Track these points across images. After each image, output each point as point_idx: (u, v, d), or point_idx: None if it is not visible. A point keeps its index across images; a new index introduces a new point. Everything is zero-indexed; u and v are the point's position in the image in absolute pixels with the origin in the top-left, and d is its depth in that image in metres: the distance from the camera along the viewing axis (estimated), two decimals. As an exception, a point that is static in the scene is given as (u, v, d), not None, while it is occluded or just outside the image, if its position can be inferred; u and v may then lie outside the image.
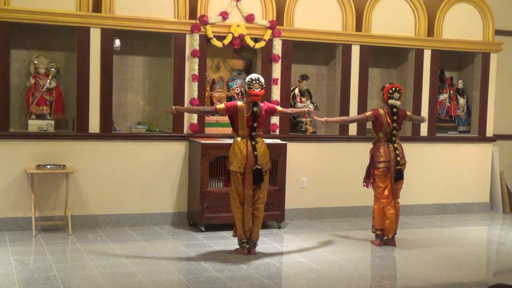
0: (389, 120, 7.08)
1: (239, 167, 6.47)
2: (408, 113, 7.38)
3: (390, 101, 7.09)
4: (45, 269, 5.83)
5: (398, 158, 7.07)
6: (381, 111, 7.14)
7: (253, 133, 6.50)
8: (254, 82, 6.49)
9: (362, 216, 8.62)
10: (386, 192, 7.09)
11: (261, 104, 6.59)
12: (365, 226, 8.03)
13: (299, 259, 6.50)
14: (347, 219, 8.55)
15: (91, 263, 6.10)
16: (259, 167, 6.47)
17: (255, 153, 6.46)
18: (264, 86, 6.56)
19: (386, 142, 7.12)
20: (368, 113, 7.26)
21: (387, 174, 7.08)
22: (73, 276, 5.70)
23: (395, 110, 7.10)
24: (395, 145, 7.10)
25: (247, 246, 6.59)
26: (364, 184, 7.27)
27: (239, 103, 6.55)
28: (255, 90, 6.47)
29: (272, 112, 6.75)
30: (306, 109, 7.20)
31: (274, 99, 8.09)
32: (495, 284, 3.24)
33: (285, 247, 7.02)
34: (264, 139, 6.75)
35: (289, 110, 7.32)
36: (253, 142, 6.50)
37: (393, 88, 7.12)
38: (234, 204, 6.58)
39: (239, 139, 6.52)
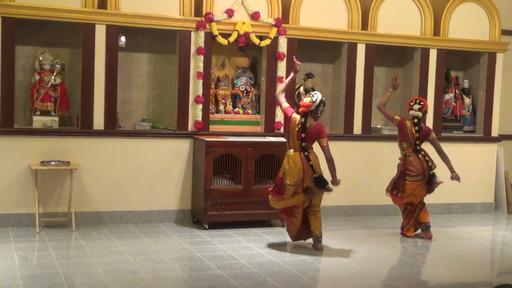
0: (414, 131, 7.32)
1: (296, 180, 6.54)
2: (433, 134, 7.51)
3: (411, 112, 7.37)
4: (48, 266, 5.84)
5: (430, 163, 7.35)
6: (407, 122, 7.39)
7: (304, 144, 6.55)
8: (308, 94, 6.66)
9: (367, 215, 8.61)
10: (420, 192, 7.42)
11: (314, 122, 6.61)
12: (370, 225, 8.03)
13: (302, 258, 6.49)
14: (352, 218, 8.54)
15: (94, 259, 6.10)
16: (317, 175, 6.57)
17: (310, 163, 6.54)
18: (315, 101, 6.52)
19: (415, 154, 7.35)
20: (396, 117, 7.48)
21: (420, 184, 7.35)
22: (76, 273, 5.70)
23: (416, 121, 7.32)
24: (423, 153, 7.37)
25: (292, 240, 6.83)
26: (388, 194, 7.45)
27: (294, 115, 6.62)
28: (304, 100, 6.57)
29: (316, 135, 6.60)
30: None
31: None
32: (499, 284, 3.23)
33: (288, 246, 7.01)
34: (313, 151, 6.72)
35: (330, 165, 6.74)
36: (306, 153, 6.56)
37: (414, 101, 7.43)
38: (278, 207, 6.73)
39: (291, 151, 6.59)
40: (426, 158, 7.36)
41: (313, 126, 6.59)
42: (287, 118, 6.74)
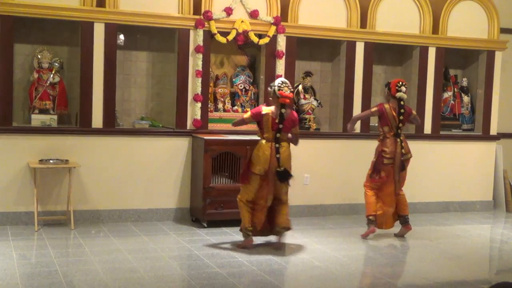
0: (395, 114, 7.21)
1: (260, 169, 6.51)
2: (414, 112, 7.51)
3: (398, 94, 7.21)
4: (47, 264, 5.83)
5: (403, 151, 7.23)
6: (386, 106, 7.28)
7: (278, 135, 6.51)
8: (284, 84, 6.55)
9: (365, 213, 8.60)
10: (390, 188, 7.26)
11: (289, 110, 6.62)
12: (368, 223, 8.03)
13: (301, 256, 6.49)
14: (350, 216, 8.53)
15: (93, 258, 6.10)
16: (282, 168, 6.49)
17: (277, 155, 6.49)
18: (293, 91, 6.58)
19: (393, 137, 7.25)
20: (373, 109, 7.42)
21: (391, 169, 7.23)
22: (75, 271, 5.70)
23: (402, 103, 7.23)
24: (401, 138, 7.26)
25: (252, 235, 6.64)
26: (376, 178, 7.32)
27: (264, 109, 6.55)
28: (286, 92, 6.51)
29: (294, 124, 6.68)
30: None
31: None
32: (498, 282, 3.23)
33: (287, 244, 7.01)
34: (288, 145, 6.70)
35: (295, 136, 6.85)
36: (277, 145, 6.52)
37: (400, 82, 7.29)
38: (242, 199, 6.64)
39: (263, 142, 6.57)
40: (403, 144, 7.24)
41: (289, 114, 6.60)
42: (258, 116, 6.54)
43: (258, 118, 6.60)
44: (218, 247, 6.66)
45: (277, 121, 6.49)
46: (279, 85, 6.53)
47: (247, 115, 6.70)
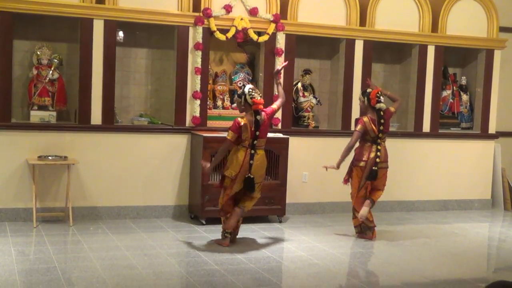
0: (374, 127, 7.07)
1: (231, 172, 6.48)
2: (392, 108, 7.27)
3: (378, 105, 7.08)
4: (46, 260, 5.84)
5: (378, 160, 7.05)
6: (366, 119, 7.12)
7: (255, 142, 6.49)
8: (253, 91, 6.52)
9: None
10: (361, 193, 7.18)
11: (262, 112, 6.57)
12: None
13: (299, 253, 6.50)
14: (348, 214, 8.50)
15: (91, 254, 6.11)
16: (251, 176, 6.46)
17: (251, 162, 6.46)
18: (261, 95, 6.64)
19: (371, 143, 7.13)
20: (358, 127, 7.15)
21: (362, 174, 7.12)
22: (73, 268, 5.71)
23: (381, 113, 7.08)
24: (379, 147, 7.09)
25: (230, 237, 6.66)
26: (343, 181, 7.32)
27: (241, 121, 6.45)
28: (258, 98, 6.50)
29: (272, 114, 6.74)
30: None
31: (276, 94, 8.07)
32: (496, 281, 3.24)
33: (285, 241, 7.02)
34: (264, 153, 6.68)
35: (278, 102, 6.85)
36: (252, 151, 6.49)
37: (379, 92, 7.14)
38: (226, 202, 6.63)
39: (239, 146, 6.52)
40: (378, 153, 7.06)
41: (265, 116, 6.57)
42: (239, 129, 6.41)
43: (239, 132, 6.46)
44: (216, 245, 6.66)
45: (253, 128, 6.46)
46: (250, 92, 6.49)
47: (230, 135, 6.44)
